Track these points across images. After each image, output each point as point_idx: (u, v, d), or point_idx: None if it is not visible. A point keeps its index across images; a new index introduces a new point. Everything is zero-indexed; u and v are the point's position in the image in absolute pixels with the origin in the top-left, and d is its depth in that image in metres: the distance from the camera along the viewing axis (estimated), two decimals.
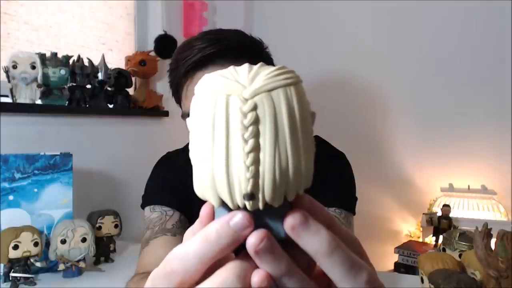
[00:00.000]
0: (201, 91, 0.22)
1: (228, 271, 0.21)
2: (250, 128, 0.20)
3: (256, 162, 0.20)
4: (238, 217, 0.21)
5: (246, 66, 0.22)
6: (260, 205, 0.21)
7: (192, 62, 0.66)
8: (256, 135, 0.20)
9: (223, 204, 0.21)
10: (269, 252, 0.20)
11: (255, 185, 0.20)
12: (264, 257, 0.20)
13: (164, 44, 1.56)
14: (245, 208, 0.21)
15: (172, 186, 0.80)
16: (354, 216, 0.81)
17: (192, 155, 0.22)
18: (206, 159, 0.21)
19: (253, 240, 0.20)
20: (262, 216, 0.21)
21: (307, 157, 0.21)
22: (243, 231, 0.20)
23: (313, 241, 0.21)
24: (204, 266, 0.21)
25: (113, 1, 1.56)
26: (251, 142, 0.20)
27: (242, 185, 0.20)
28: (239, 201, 0.21)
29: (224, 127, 0.20)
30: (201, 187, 0.22)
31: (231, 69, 0.22)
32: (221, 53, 0.65)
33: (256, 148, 0.20)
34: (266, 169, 0.20)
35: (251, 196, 0.20)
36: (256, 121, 0.20)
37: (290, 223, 0.21)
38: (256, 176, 0.20)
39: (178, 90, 0.72)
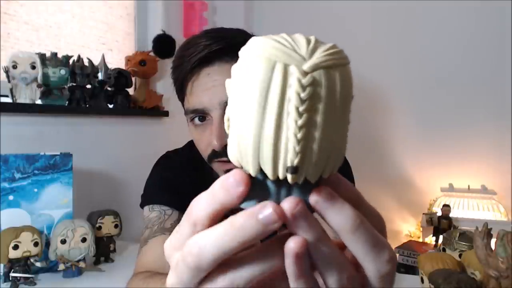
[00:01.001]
0: (254, 53, 0.21)
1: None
2: (307, 103, 0.20)
3: (307, 137, 0.20)
4: (269, 211, 0.20)
5: (302, 36, 0.22)
6: (300, 180, 0.21)
7: (198, 59, 0.66)
8: (311, 110, 0.20)
9: (259, 173, 0.21)
10: (304, 216, 0.20)
11: (302, 159, 0.20)
12: (300, 220, 0.20)
13: (163, 44, 1.56)
14: (279, 180, 0.21)
15: (171, 185, 0.80)
16: None
17: (234, 118, 0.21)
18: (254, 124, 0.20)
19: (289, 204, 0.20)
20: (289, 190, 0.21)
21: (346, 139, 0.22)
22: (272, 225, 0.20)
23: (338, 217, 0.21)
24: (227, 255, 0.21)
25: (113, 1, 1.56)
26: (305, 116, 0.20)
27: (289, 157, 0.20)
28: (281, 172, 0.21)
29: (279, 97, 0.20)
30: (240, 152, 0.21)
31: (287, 37, 0.21)
32: (226, 50, 0.66)
33: (309, 124, 0.20)
34: (315, 146, 0.20)
35: (295, 169, 0.20)
36: (313, 97, 0.20)
37: (316, 199, 0.21)
38: (304, 151, 0.20)
39: (183, 86, 0.72)
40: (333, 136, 0.21)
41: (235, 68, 0.22)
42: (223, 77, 0.65)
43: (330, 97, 0.20)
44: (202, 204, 0.22)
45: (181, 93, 0.74)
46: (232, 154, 0.22)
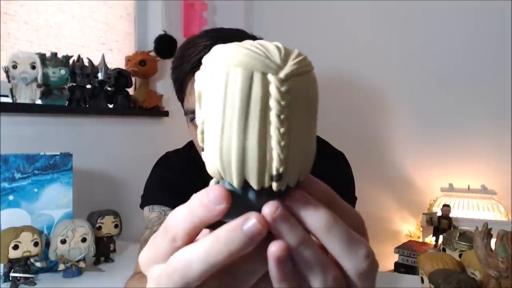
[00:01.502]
0: (227, 62, 0.20)
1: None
2: (287, 110, 0.20)
3: (289, 144, 0.21)
4: (252, 222, 0.20)
5: (271, 43, 0.22)
6: (284, 186, 0.21)
7: (198, 59, 0.66)
8: (290, 117, 0.21)
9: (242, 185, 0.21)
10: (284, 219, 0.21)
11: (286, 166, 0.21)
12: (281, 224, 0.21)
13: (164, 44, 1.56)
14: (263, 189, 0.21)
15: (171, 186, 0.80)
16: None
17: (211, 130, 0.21)
18: (237, 136, 0.20)
19: (269, 209, 0.20)
20: (268, 197, 0.21)
21: (315, 141, 0.23)
22: (258, 236, 0.20)
23: (312, 217, 0.21)
24: (210, 272, 0.21)
25: (113, 1, 1.56)
26: (287, 123, 0.20)
27: (274, 165, 0.21)
28: (267, 181, 0.21)
29: (261, 106, 0.20)
30: (222, 164, 0.21)
31: (257, 44, 0.21)
32: None
33: (290, 130, 0.21)
34: (295, 151, 0.21)
35: (280, 176, 0.21)
36: (291, 104, 0.20)
37: (290, 202, 0.21)
38: (287, 157, 0.21)
39: (183, 86, 0.72)
40: (308, 140, 0.22)
41: (204, 77, 0.21)
42: None
43: (304, 103, 0.21)
44: (181, 219, 0.22)
45: (181, 93, 0.74)
46: (212, 166, 0.22)
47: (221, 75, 0.20)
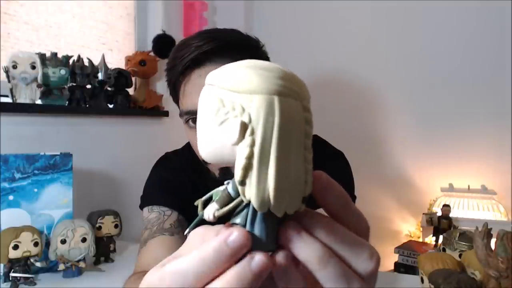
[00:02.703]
0: (266, 91, 0.20)
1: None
2: (309, 138, 0.21)
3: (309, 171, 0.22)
4: (235, 235, 0.20)
5: (278, 67, 0.22)
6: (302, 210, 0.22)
7: (189, 60, 0.66)
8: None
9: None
10: (304, 241, 0.22)
11: (310, 189, 0.22)
12: (300, 247, 0.22)
13: (163, 44, 1.56)
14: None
15: (170, 186, 0.80)
16: None
17: (260, 160, 0.20)
18: (280, 164, 0.20)
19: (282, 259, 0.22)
20: (266, 223, 0.22)
21: None
22: (242, 249, 0.21)
23: (305, 252, 0.22)
24: (202, 283, 0.21)
25: (113, 1, 1.56)
26: (309, 151, 0.21)
27: (307, 189, 0.22)
28: (300, 205, 0.22)
29: (300, 133, 0.21)
30: (263, 191, 0.20)
31: (279, 68, 0.21)
32: (218, 51, 0.65)
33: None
34: (310, 178, 0.22)
35: (304, 200, 0.22)
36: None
37: (285, 235, 0.22)
38: (308, 183, 0.22)
39: (176, 88, 0.72)
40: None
41: (250, 108, 0.20)
42: None
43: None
44: (193, 272, 0.21)
45: (175, 94, 0.74)
46: (263, 195, 0.21)
47: (264, 105, 0.20)
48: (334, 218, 0.24)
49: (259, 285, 0.21)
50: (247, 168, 0.20)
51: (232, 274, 0.20)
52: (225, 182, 0.23)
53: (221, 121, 0.21)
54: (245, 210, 0.22)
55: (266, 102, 0.20)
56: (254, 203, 0.20)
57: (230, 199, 0.22)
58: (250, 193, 0.20)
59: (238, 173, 0.20)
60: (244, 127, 0.20)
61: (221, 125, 0.21)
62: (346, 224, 0.24)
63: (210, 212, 0.22)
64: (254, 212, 0.21)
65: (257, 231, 0.21)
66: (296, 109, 0.21)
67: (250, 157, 0.20)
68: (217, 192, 0.23)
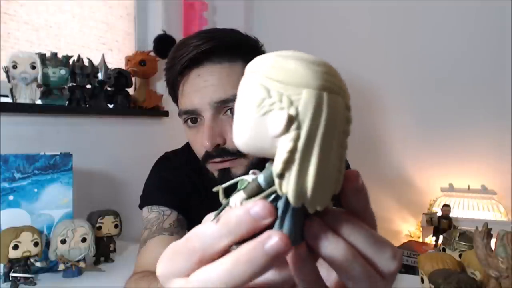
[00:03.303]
0: (316, 86, 0.20)
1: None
2: (347, 137, 0.22)
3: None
4: (259, 207, 0.20)
5: (325, 61, 0.22)
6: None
7: (187, 59, 0.66)
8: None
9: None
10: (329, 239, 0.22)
11: (336, 190, 0.22)
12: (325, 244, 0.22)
13: (164, 44, 1.56)
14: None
15: (170, 186, 0.80)
16: None
17: (304, 153, 0.20)
18: (322, 158, 0.20)
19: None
20: (295, 219, 0.22)
21: None
22: (263, 220, 0.20)
23: (331, 251, 0.22)
24: (221, 248, 0.21)
25: (113, 1, 1.56)
26: (345, 149, 0.22)
27: (338, 187, 0.22)
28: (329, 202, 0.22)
29: (341, 129, 0.21)
30: (313, 186, 0.20)
31: (321, 60, 0.21)
32: (216, 50, 0.65)
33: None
34: (341, 177, 0.22)
35: (334, 197, 0.22)
36: None
37: (311, 232, 0.22)
38: (339, 182, 0.22)
39: (174, 88, 0.72)
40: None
41: (298, 101, 0.20)
42: (213, 78, 0.65)
43: None
44: (212, 237, 0.21)
45: (174, 94, 0.74)
46: (302, 188, 0.21)
47: (313, 100, 0.20)
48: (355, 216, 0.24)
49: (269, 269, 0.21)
50: (288, 162, 0.20)
51: (244, 251, 0.20)
52: (251, 172, 0.23)
53: (265, 111, 0.20)
54: (274, 203, 0.22)
55: (315, 98, 0.20)
56: (291, 197, 0.20)
57: (260, 190, 0.22)
58: (288, 187, 0.20)
59: (278, 166, 0.20)
60: (290, 120, 0.20)
61: (264, 115, 0.20)
62: (366, 223, 0.24)
63: (237, 200, 0.22)
64: (285, 207, 0.21)
65: (286, 226, 0.21)
66: (340, 107, 0.21)
67: (293, 151, 0.20)
68: (243, 181, 0.23)
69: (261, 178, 0.22)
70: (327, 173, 0.21)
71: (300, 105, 0.20)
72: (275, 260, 0.20)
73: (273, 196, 0.21)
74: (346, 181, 0.23)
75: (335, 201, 0.22)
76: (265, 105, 0.20)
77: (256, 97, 0.21)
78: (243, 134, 0.21)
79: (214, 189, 0.24)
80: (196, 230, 0.22)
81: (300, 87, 0.20)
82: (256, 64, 0.22)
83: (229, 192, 0.23)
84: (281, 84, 0.20)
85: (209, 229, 0.21)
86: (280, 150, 0.20)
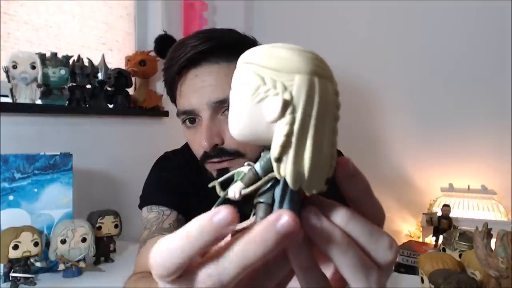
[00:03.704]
0: (307, 71, 0.21)
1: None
2: (337, 122, 0.22)
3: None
4: (222, 214, 0.19)
5: (312, 50, 0.22)
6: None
7: (185, 60, 0.66)
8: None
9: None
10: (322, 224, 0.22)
11: (329, 174, 0.22)
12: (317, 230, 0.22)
13: (164, 44, 1.56)
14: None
15: (169, 186, 0.80)
16: None
17: (298, 137, 0.21)
18: (316, 143, 0.21)
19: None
20: (293, 203, 0.22)
21: None
22: (227, 228, 0.20)
23: (325, 238, 0.22)
24: (187, 261, 0.20)
25: (113, 1, 1.56)
26: (336, 134, 0.22)
27: (330, 172, 0.22)
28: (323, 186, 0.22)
29: (332, 115, 0.22)
30: (309, 170, 0.21)
31: (309, 49, 0.22)
32: (214, 50, 0.66)
33: None
34: (334, 162, 0.23)
35: (328, 182, 0.22)
36: None
37: (306, 219, 0.22)
38: (332, 167, 0.22)
39: (172, 88, 0.72)
40: None
41: (291, 86, 0.21)
42: (211, 78, 0.65)
43: None
44: (176, 253, 0.21)
45: (172, 95, 0.74)
46: (298, 170, 0.21)
47: (306, 85, 0.21)
48: (355, 205, 0.25)
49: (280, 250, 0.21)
50: (285, 146, 0.21)
51: (257, 232, 0.20)
52: (246, 163, 0.24)
53: (260, 98, 0.21)
54: (271, 190, 0.22)
55: (308, 82, 0.21)
56: (289, 179, 0.21)
57: (257, 178, 0.22)
58: (286, 170, 0.21)
59: (275, 150, 0.21)
60: (285, 104, 0.20)
61: (259, 103, 0.21)
62: (366, 212, 0.24)
63: (236, 189, 0.22)
64: (284, 191, 0.22)
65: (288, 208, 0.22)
66: (330, 91, 0.22)
67: (289, 135, 0.20)
68: (240, 172, 0.23)
69: (257, 166, 0.22)
70: (321, 157, 0.21)
71: (294, 90, 0.21)
72: (286, 240, 0.20)
73: (270, 183, 0.22)
74: (338, 168, 0.23)
75: (329, 186, 0.23)
76: (260, 92, 0.21)
77: (250, 85, 0.21)
78: (239, 122, 0.22)
79: (210, 185, 0.25)
80: (165, 244, 0.21)
81: (293, 73, 0.21)
82: (248, 55, 0.22)
83: (226, 187, 0.24)
84: (274, 71, 0.21)
85: (172, 245, 0.20)
86: (276, 134, 0.21)
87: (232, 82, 0.23)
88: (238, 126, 0.22)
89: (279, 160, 0.21)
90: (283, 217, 0.19)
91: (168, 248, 0.20)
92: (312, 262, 0.23)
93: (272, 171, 0.21)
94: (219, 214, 0.19)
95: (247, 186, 0.22)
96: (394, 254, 0.24)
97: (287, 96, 0.20)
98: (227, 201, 0.23)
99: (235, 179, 0.23)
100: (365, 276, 0.22)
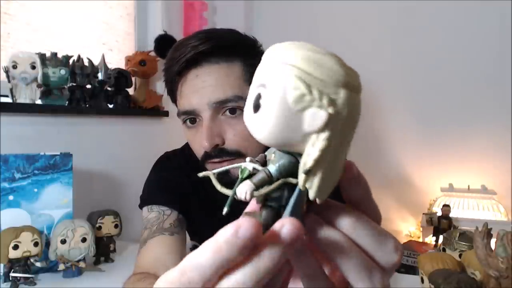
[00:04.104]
0: (338, 76, 0.20)
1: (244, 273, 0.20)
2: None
3: None
4: (245, 228, 0.19)
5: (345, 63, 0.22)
6: None
7: (185, 60, 0.66)
8: None
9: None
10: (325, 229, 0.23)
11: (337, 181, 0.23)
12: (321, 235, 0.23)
13: (164, 44, 1.56)
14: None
15: (170, 186, 0.80)
16: None
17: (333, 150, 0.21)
18: (335, 151, 0.21)
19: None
20: (301, 210, 0.22)
21: None
22: (253, 241, 0.19)
23: (327, 241, 0.22)
24: (220, 273, 0.20)
25: (113, 1, 1.56)
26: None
27: (337, 180, 0.23)
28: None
29: (353, 131, 0.22)
30: (320, 180, 0.21)
31: (341, 61, 0.21)
32: (214, 51, 0.66)
33: None
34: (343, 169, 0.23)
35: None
36: None
37: (308, 225, 0.22)
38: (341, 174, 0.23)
39: (173, 88, 0.72)
40: None
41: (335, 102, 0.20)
42: (211, 78, 0.65)
43: None
44: (204, 266, 0.20)
45: (173, 95, 0.74)
46: (329, 184, 0.22)
47: (350, 103, 0.20)
48: (356, 208, 0.25)
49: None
50: (320, 161, 0.20)
51: (221, 239, 0.20)
52: (248, 159, 0.23)
53: (303, 107, 0.20)
54: (282, 194, 0.22)
55: (351, 100, 0.20)
56: (313, 193, 0.21)
57: (270, 180, 0.21)
58: (313, 183, 0.21)
59: (309, 164, 0.20)
60: (330, 119, 0.20)
61: (301, 111, 0.20)
62: (367, 215, 0.24)
63: (247, 190, 0.21)
64: (297, 199, 0.21)
65: (295, 211, 0.22)
66: (360, 106, 0.22)
67: (325, 151, 0.20)
68: (244, 169, 0.22)
69: (272, 168, 0.22)
70: (340, 169, 0.22)
71: (339, 105, 0.20)
72: (252, 245, 0.19)
73: (282, 189, 0.22)
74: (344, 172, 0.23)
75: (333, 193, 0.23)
76: (305, 101, 0.20)
77: (294, 92, 0.20)
78: (272, 126, 0.21)
79: (201, 174, 0.24)
80: (190, 260, 0.21)
81: (338, 86, 0.20)
82: (286, 55, 0.21)
83: (224, 182, 0.23)
84: (321, 82, 0.20)
85: (203, 259, 0.20)
86: (314, 148, 0.20)
87: (261, 77, 0.21)
88: (270, 129, 0.21)
89: (309, 172, 0.20)
90: (243, 226, 0.19)
91: (202, 264, 0.20)
92: (317, 270, 0.23)
93: (289, 176, 0.21)
94: (243, 228, 0.19)
95: (257, 188, 0.21)
96: (399, 256, 0.24)
97: (331, 111, 0.20)
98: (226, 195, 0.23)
99: (240, 176, 0.22)
100: (368, 279, 0.23)
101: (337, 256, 0.22)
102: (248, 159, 0.23)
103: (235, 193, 0.22)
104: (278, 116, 0.20)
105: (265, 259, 0.20)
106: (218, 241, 0.20)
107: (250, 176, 0.22)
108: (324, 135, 0.20)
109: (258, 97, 0.21)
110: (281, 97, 0.20)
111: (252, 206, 0.24)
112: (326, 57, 0.21)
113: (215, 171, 0.24)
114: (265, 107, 0.21)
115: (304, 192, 0.22)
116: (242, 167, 0.22)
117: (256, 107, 0.21)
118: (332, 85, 0.20)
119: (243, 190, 0.21)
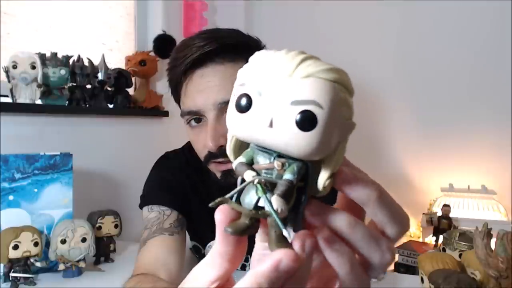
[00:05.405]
0: (341, 86, 0.22)
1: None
2: None
3: None
4: (286, 262, 0.20)
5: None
6: None
7: (191, 60, 0.66)
8: None
9: None
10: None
11: None
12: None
13: (164, 43, 1.56)
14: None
15: (170, 186, 0.80)
16: None
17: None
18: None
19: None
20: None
21: None
22: (292, 271, 0.20)
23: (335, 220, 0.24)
24: None
25: (113, 1, 1.56)
26: None
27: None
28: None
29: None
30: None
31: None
32: (219, 51, 0.66)
33: None
34: None
35: None
36: None
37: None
38: None
39: (177, 88, 0.72)
40: None
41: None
42: (216, 78, 0.65)
43: None
44: None
45: (176, 94, 0.74)
46: (328, 175, 0.23)
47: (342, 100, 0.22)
48: (354, 212, 0.25)
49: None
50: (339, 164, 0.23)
51: (261, 277, 0.20)
52: (247, 173, 0.22)
53: (345, 121, 0.23)
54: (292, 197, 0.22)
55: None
56: (325, 191, 0.23)
57: (293, 189, 0.22)
58: (331, 184, 0.23)
59: (336, 167, 0.23)
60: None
61: (342, 125, 0.23)
62: (376, 215, 0.26)
63: (282, 207, 0.21)
64: (305, 200, 0.23)
65: (300, 216, 0.23)
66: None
67: (343, 154, 0.24)
68: (252, 186, 0.22)
69: (289, 176, 0.22)
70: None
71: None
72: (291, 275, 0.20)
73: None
74: (338, 177, 0.24)
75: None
76: (349, 118, 0.23)
77: (345, 112, 0.23)
78: (326, 142, 0.21)
79: (212, 204, 0.23)
80: None
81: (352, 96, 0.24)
82: (337, 75, 0.22)
83: (228, 182, 0.25)
84: (350, 94, 0.23)
85: None
86: (339, 154, 0.23)
87: (319, 96, 0.21)
88: (324, 144, 0.21)
89: (332, 176, 0.23)
90: (283, 261, 0.20)
91: None
92: (307, 275, 0.23)
93: (300, 180, 0.22)
94: (284, 262, 0.20)
95: (287, 199, 0.21)
96: (391, 256, 0.25)
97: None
98: (225, 191, 0.23)
99: (257, 194, 0.22)
100: (379, 246, 0.24)
101: (327, 252, 0.23)
102: (247, 173, 0.22)
103: (272, 214, 0.21)
104: (331, 133, 0.22)
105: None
106: (257, 277, 0.20)
107: (264, 187, 0.22)
108: (345, 141, 0.23)
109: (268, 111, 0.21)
110: (334, 115, 0.21)
111: None
112: (344, 71, 0.23)
113: (228, 195, 0.23)
114: (322, 124, 0.21)
115: (306, 195, 0.23)
116: (255, 183, 0.22)
117: (310, 125, 0.21)
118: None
119: (279, 207, 0.21)
